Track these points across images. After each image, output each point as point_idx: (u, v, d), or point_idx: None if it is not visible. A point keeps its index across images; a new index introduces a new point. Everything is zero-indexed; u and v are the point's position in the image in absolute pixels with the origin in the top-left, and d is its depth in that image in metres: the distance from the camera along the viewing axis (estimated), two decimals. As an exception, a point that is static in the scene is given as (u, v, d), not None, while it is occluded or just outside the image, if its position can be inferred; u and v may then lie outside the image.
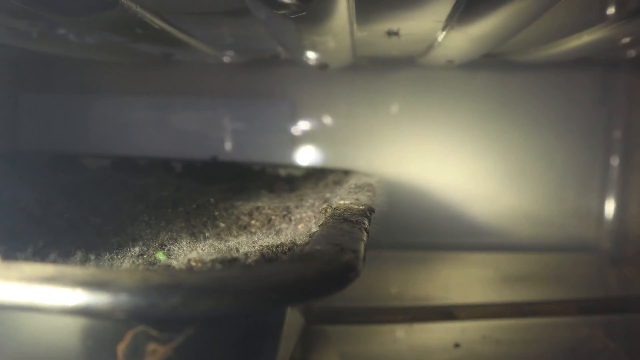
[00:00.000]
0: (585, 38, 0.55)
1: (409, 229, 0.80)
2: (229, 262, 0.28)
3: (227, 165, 0.67)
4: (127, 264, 0.33)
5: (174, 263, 0.32)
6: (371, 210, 0.41)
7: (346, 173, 0.62)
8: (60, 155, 0.69)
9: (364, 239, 0.32)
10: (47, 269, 0.24)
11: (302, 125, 0.82)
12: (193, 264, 0.29)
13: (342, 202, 0.42)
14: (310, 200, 0.49)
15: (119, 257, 0.37)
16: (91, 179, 0.56)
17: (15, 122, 0.84)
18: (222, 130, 0.82)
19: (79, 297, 0.22)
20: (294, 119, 0.82)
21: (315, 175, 0.64)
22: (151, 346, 0.25)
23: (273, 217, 0.46)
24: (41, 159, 0.68)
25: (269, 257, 0.30)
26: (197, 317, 0.24)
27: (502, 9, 0.43)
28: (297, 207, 0.48)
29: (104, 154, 0.72)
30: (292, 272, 0.24)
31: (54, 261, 0.32)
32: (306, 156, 0.82)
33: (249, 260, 0.30)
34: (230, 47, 0.64)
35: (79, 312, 0.22)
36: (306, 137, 0.82)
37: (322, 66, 0.63)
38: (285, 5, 0.38)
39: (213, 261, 0.28)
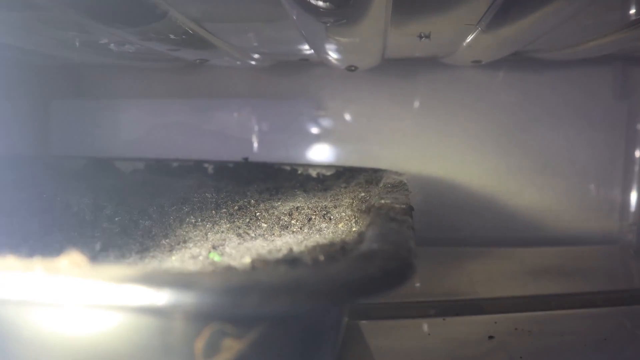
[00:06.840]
0: (608, 38, 0.56)
1: (432, 226, 0.81)
2: (292, 262, 0.30)
3: (259, 166, 0.69)
4: (187, 265, 0.35)
5: (233, 263, 0.33)
6: (411, 208, 0.42)
7: (375, 171, 0.63)
8: (93, 159, 0.71)
9: (413, 236, 0.34)
10: (133, 270, 0.25)
11: (327, 125, 0.83)
12: (257, 265, 0.30)
13: (382, 201, 0.43)
14: (347, 200, 0.51)
15: (175, 258, 0.39)
16: (132, 181, 0.58)
17: (46, 128, 0.86)
18: (250, 131, 0.84)
19: (167, 297, 0.24)
20: (319, 119, 0.83)
21: (346, 175, 0.65)
22: (227, 342, 0.26)
23: (313, 217, 0.47)
24: (77, 163, 0.69)
25: (328, 257, 0.31)
26: (270, 314, 0.26)
27: (533, 13, 0.44)
28: (335, 207, 0.49)
29: (136, 157, 0.73)
30: (360, 271, 0.26)
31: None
32: (332, 155, 0.83)
33: (305, 260, 0.31)
34: (261, 51, 0.66)
35: (165, 312, 0.24)
36: (332, 137, 0.83)
37: (351, 68, 0.65)
38: (327, 14, 0.39)
39: (277, 262, 0.30)
